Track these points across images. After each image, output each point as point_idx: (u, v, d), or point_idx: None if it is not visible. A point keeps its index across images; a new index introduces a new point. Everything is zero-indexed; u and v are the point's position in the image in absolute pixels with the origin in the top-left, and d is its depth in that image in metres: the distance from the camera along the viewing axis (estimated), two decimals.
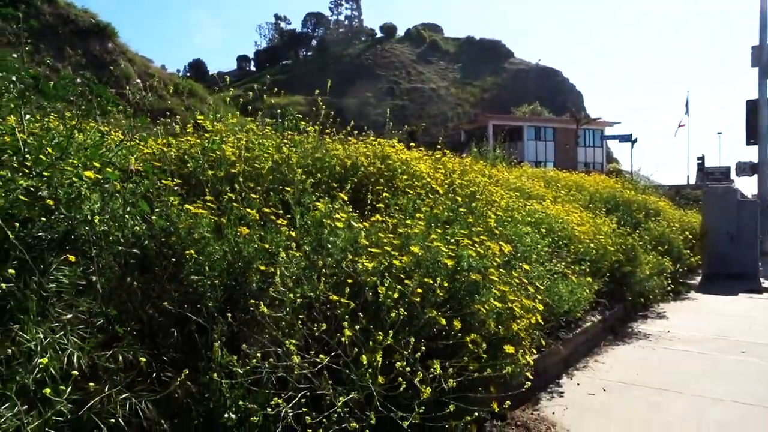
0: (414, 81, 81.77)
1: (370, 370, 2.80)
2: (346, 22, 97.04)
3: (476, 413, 2.94)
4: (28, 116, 3.91)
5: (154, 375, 2.62)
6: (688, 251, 11.27)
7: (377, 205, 4.75)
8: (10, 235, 2.64)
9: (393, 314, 3.04)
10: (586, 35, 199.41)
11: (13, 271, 2.54)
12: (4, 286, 2.40)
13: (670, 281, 9.16)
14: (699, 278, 12.08)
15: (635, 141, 40.64)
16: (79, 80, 4.66)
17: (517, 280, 4.37)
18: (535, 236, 5.87)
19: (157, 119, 6.08)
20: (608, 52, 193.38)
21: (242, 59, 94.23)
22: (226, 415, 2.60)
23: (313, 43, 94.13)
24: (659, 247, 9.73)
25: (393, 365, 2.92)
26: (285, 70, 76.75)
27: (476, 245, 4.17)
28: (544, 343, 5.05)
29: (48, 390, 2.07)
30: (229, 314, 2.88)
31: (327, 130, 6.13)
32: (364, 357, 2.77)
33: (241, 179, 4.07)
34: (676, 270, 9.83)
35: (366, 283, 3.43)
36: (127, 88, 12.60)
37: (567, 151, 49.72)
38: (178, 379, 2.58)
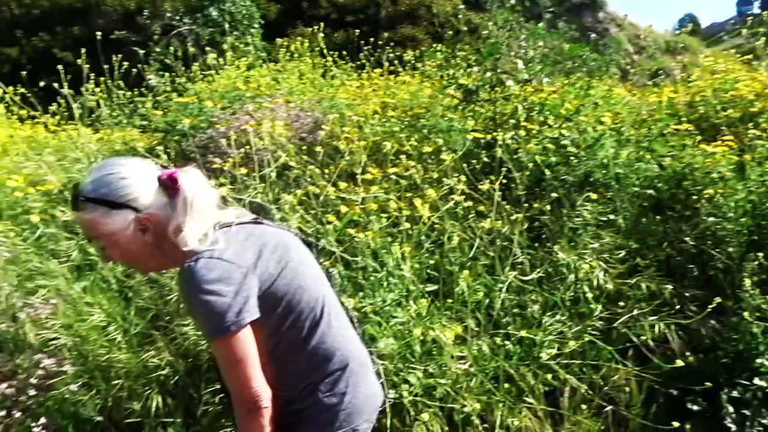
0: None
1: None
2: None
3: None
4: (545, 79, 4.44)
5: (678, 307, 2.64)
6: None
7: None
8: (547, 174, 3.09)
9: None
10: None
11: (548, 207, 2.98)
12: (546, 215, 2.82)
13: None
14: None
15: None
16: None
17: None
18: None
19: (655, 77, 5.98)
20: None
21: (743, 3, 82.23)
22: (758, 360, 2.42)
23: None
24: None
25: None
26: None
27: None
28: None
29: (592, 295, 2.35)
30: (761, 255, 2.63)
31: None
32: None
33: (765, 116, 3.63)
34: None
35: None
36: (621, 51, 12.81)
37: None
38: (703, 313, 2.53)
